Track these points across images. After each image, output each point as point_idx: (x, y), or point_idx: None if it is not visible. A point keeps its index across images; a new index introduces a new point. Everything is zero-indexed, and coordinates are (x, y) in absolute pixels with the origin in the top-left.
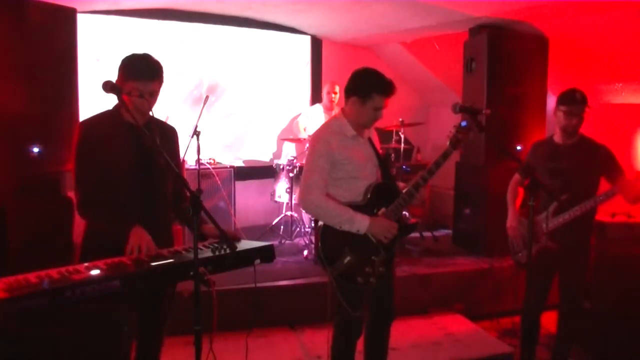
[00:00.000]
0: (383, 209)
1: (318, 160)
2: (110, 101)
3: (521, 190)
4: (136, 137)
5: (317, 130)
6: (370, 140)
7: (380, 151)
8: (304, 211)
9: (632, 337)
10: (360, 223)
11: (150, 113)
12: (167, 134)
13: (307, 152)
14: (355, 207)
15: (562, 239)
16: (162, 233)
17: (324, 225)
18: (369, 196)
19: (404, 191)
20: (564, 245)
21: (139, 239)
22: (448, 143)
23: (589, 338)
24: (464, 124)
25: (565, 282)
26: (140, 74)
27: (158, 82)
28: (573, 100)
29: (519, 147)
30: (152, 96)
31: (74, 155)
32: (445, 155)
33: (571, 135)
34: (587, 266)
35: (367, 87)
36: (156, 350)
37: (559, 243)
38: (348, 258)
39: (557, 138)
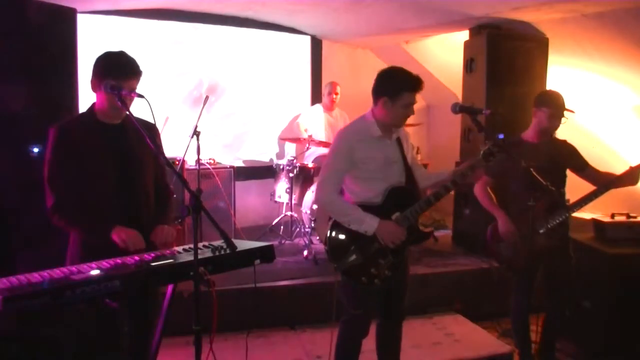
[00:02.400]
0: (397, 214)
1: (336, 157)
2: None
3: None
4: (113, 137)
5: (342, 129)
6: (399, 142)
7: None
8: (303, 210)
9: (631, 337)
10: (368, 225)
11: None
12: (147, 130)
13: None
14: (371, 207)
15: (547, 237)
16: (147, 234)
17: (335, 220)
18: (384, 198)
19: (422, 199)
20: (549, 244)
21: (126, 236)
22: (481, 154)
23: (588, 338)
24: (500, 136)
25: (552, 281)
26: (127, 72)
27: (138, 79)
28: (559, 103)
29: (501, 136)
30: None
31: (48, 159)
32: (472, 167)
33: (548, 135)
34: (572, 263)
35: (397, 86)
36: (153, 351)
37: (546, 242)
38: (354, 256)
39: (531, 137)
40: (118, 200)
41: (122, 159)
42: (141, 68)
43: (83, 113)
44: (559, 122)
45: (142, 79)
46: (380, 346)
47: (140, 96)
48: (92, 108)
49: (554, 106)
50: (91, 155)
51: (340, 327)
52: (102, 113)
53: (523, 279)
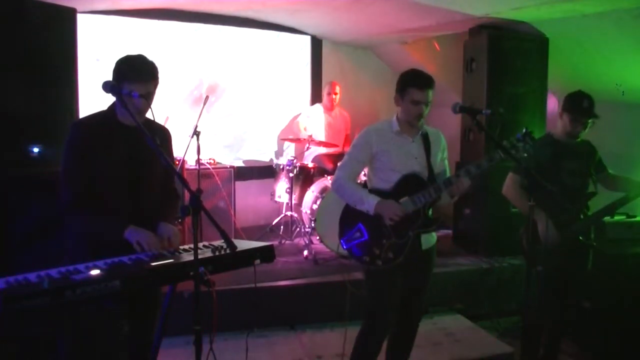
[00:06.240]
0: (405, 198)
1: (355, 148)
2: (110, 102)
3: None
4: (129, 139)
5: (368, 126)
6: (425, 140)
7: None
8: (303, 210)
9: (631, 337)
10: (369, 203)
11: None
12: (160, 134)
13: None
14: (381, 192)
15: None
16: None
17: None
18: (395, 184)
19: (431, 186)
20: (575, 245)
21: (138, 237)
22: (487, 156)
23: (588, 338)
24: (518, 136)
25: (571, 282)
26: (138, 76)
27: (154, 83)
28: (580, 109)
29: (518, 135)
30: (150, 97)
31: (66, 154)
32: (478, 166)
33: (574, 138)
34: (588, 269)
35: (403, 82)
36: (153, 351)
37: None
38: (357, 234)
39: (562, 137)
40: (127, 199)
41: (135, 159)
42: (158, 72)
43: (103, 111)
44: (582, 127)
45: None
46: (390, 346)
47: (142, 97)
48: (113, 107)
49: (575, 112)
50: (107, 154)
51: (362, 326)
52: (122, 114)
53: (559, 279)
